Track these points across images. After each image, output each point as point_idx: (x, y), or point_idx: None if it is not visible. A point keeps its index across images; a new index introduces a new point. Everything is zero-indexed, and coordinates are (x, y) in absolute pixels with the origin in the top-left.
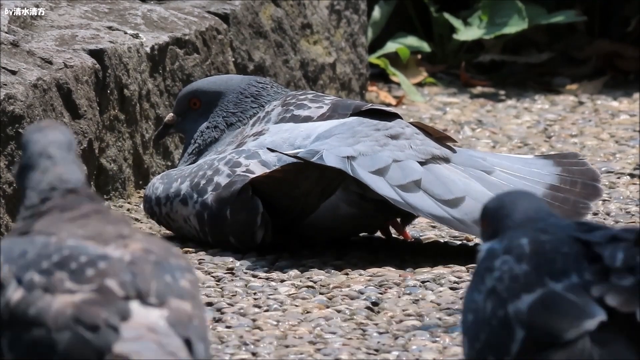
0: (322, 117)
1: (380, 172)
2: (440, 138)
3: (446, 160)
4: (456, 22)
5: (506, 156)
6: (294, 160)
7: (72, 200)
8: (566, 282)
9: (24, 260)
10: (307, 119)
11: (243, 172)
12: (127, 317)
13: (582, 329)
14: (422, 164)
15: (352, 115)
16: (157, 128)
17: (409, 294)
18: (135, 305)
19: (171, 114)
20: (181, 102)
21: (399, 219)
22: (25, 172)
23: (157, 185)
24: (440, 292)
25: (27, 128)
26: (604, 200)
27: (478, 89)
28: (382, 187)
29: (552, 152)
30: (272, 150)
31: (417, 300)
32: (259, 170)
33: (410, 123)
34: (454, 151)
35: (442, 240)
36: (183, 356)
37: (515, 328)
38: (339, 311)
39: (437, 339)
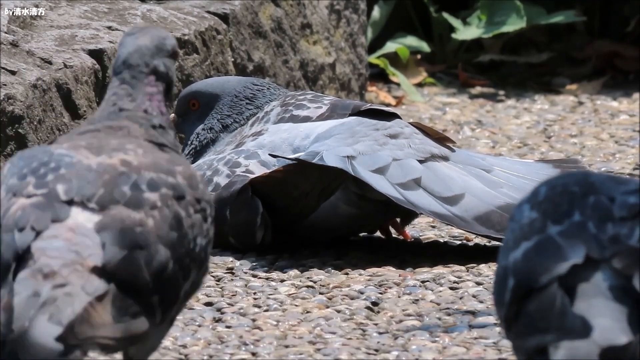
0: (321, 117)
1: (380, 170)
2: (439, 139)
3: (445, 158)
4: (455, 22)
5: (504, 158)
6: (294, 161)
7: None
8: (566, 224)
9: (18, 167)
10: (306, 119)
11: (242, 172)
12: (60, 219)
13: (554, 273)
14: (421, 162)
15: (351, 115)
16: None
17: (409, 293)
18: (74, 210)
19: (172, 115)
20: (181, 103)
21: (398, 219)
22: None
23: None
24: (440, 292)
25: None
26: None
27: (477, 89)
28: (383, 185)
29: (553, 158)
30: (274, 156)
31: (417, 300)
32: (258, 171)
33: (410, 123)
34: (452, 151)
35: (441, 240)
36: (90, 255)
37: (509, 277)
38: (338, 311)
39: (437, 339)
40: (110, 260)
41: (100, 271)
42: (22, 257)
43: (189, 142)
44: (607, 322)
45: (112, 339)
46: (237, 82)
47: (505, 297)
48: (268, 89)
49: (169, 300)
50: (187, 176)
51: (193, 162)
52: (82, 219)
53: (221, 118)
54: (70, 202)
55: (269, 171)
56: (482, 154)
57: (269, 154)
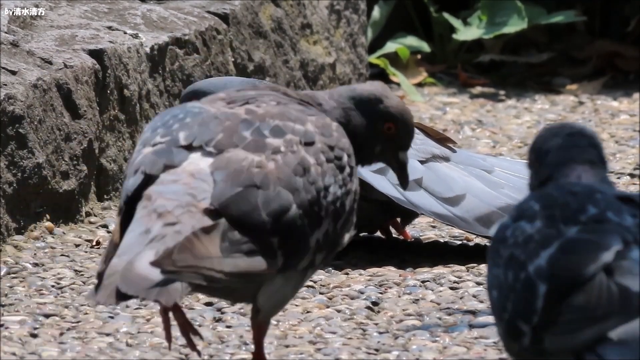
0: None
1: (381, 171)
2: (440, 139)
3: (446, 159)
4: (456, 22)
5: (505, 158)
6: None
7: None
8: (582, 220)
9: (154, 122)
10: None
11: None
12: (175, 164)
13: (599, 262)
14: (422, 162)
15: None
16: None
17: (409, 293)
18: (194, 155)
19: None
20: (183, 101)
21: (398, 219)
22: None
23: None
24: (440, 291)
25: None
26: None
27: (478, 89)
28: (384, 186)
29: None
30: None
31: (417, 300)
32: None
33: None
34: (453, 151)
35: (442, 240)
36: (205, 198)
37: (537, 285)
38: (339, 311)
39: (437, 338)
40: (220, 196)
41: (210, 209)
42: (140, 199)
43: None
44: None
45: (219, 272)
46: (239, 83)
47: (533, 306)
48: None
49: (294, 245)
50: (320, 125)
51: None
52: (201, 163)
53: None
54: (189, 147)
55: None
56: (483, 155)
57: None
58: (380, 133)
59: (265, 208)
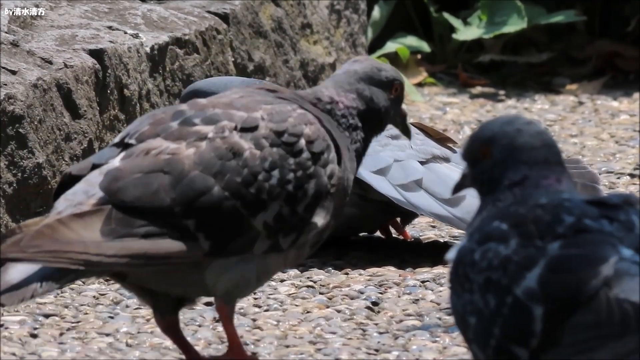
0: None
1: (382, 172)
2: (440, 139)
3: (446, 159)
4: (456, 22)
5: None
6: None
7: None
8: (560, 232)
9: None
10: None
11: None
12: (105, 162)
13: (601, 276)
14: (422, 163)
15: None
16: None
17: (409, 293)
18: (122, 151)
19: None
20: (183, 100)
21: (398, 219)
22: None
23: None
24: (440, 291)
25: None
26: None
27: (478, 89)
28: (384, 186)
29: None
30: None
31: (417, 300)
32: None
33: (410, 124)
34: (454, 151)
35: (441, 240)
36: (95, 193)
37: (531, 307)
38: (339, 311)
39: (437, 338)
40: (108, 185)
41: (98, 203)
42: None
43: None
44: None
45: (100, 255)
46: (239, 82)
47: (530, 329)
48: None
49: (222, 228)
50: (275, 112)
51: None
52: (118, 158)
53: None
54: (120, 144)
55: None
56: None
57: None
58: (390, 97)
59: (171, 191)
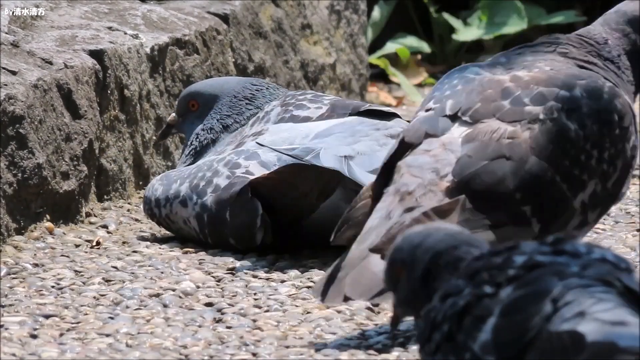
0: (321, 118)
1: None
2: None
3: None
4: (456, 23)
5: None
6: (291, 158)
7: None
8: (512, 274)
9: (437, 87)
10: (306, 120)
11: (242, 173)
12: (440, 133)
13: (543, 312)
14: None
15: (351, 115)
16: (157, 128)
17: None
18: (456, 124)
19: (173, 115)
20: (181, 103)
21: None
22: None
23: (156, 186)
24: None
25: None
26: None
27: None
28: None
29: None
30: (262, 145)
31: None
32: (258, 171)
33: (409, 121)
34: None
35: None
36: (447, 174)
37: None
38: (339, 312)
39: None
40: (461, 172)
41: (452, 188)
42: (394, 171)
43: (189, 143)
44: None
45: None
46: (236, 83)
47: None
48: (267, 88)
49: (551, 212)
50: (590, 89)
51: (193, 162)
52: (455, 133)
53: (221, 118)
54: (453, 117)
55: (267, 172)
56: None
57: (257, 142)
58: None
59: (514, 179)
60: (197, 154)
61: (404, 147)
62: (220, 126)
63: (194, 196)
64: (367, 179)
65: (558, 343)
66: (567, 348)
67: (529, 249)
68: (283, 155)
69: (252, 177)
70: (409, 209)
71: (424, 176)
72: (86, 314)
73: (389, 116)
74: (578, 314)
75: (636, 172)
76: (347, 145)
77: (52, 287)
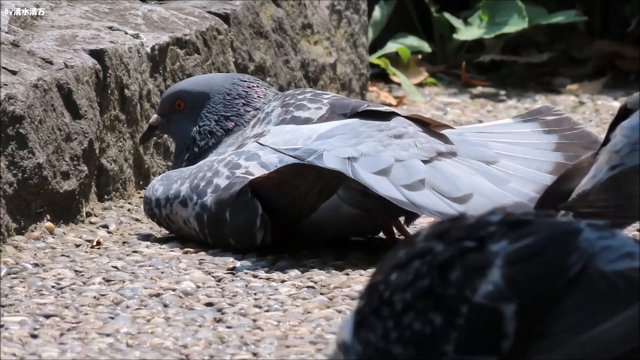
0: (322, 119)
1: (383, 172)
2: (438, 126)
3: (452, 154)
4: (456, 22)
5: (505, 135)
6: (293, 159)
7: None
8: (493, 230)
9: None
10: (307, 121)
11: (242, 174)
12: None
13: (581, 248)
14: (426, 162)
15: (350, 115)
16: None
17: None
18: None
19: (155, 116)
20: (165, 103)
21: (401, 218)
22: None
23: (156, 186)
24: None
25: None
26: None
27: (478, 89)
28: (384, 187)
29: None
30: (262, 145)
31: None
32: (258, 172)
33: (407, 117)
34: (451, 143)
35: None
36: None
37: (499, 309)
38: (339, 311)
39: None
40: None
41: None
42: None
43: (186, 147)
44: None
45: None
46: (223, 79)
47: (501, 332)
48: (259, 86)
49: None
50: None
51: (191, 164)
52: None
53: (219, 120)
54: None
55: (267, 172)
56: (483, 138)
57: (257, 142)
58: None
59: None
60: (196, 158)
61: (625, 113)
62: (222, 131)
63: (194, 196)
64: (371, 180)
65: (610, 283)
66: (622, 289)
67: (499, 212)
68: (285, 156)
69: (251, 178)
70: (613, 167)
71: (633, 136)
72: (86, 314)
73: (387, 115)
74: (627, 255)
75: None
76: (350, 146)
77: (53, 287)
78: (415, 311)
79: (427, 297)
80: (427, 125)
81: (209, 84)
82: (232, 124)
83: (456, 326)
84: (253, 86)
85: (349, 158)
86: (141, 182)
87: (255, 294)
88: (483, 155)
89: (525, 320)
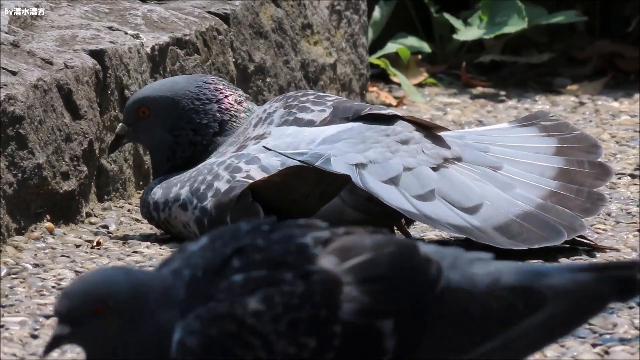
0: (324, 122)
1: (392, 181)
2: (433, 128)
3: (458, 159)
4: (456, 22)
5: (504, 139)
6: (296, 163)
7: None
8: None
9: None
10: (310, 123)
11: (243, 177)
12: None
13: (434, 264)
14: (434, 169)
15: (353, 119)
16: None
17: None
18: None
19: (121, 125)
20: (129, 111)
21: (403, 220)
22: None
23: (155, 189)
24: None
25: None
26: None
27: (478, 90)
28: (395, 198)
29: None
30: (268, 149)
31: None
32: (259, 176)
33: (403, 118)
34: (454, 147)
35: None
36: None
37: (375, 325)
38: None
39: None
40: None
41: None
42: None
43: (166, 158)
44: None
45: None
46: (187, 82)
47: (381, 348)
48: (225, 87)
49: None
50: None
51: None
52: None
53: (197, 129)
54: None
55: (267, 175)
56: (484, 142)
57: (263, 146)
58: None
59: None
60: (186, 166)
61: None
62: (207, 137)
63: (194, 200)
64: (381, 189)
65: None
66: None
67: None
68: (288, 160)
69: (251, 181)
70: None
71: None
72: None
73: (390, 119)
74: (450, 266)
75: (636, 173)
76: (358, 152)
77: (53, 287)
78: (284, 339)
79: (295, 324)
80: (429, 130)
81: (172, 88)
82: (212, 131)
83: (333, 347)
84: (220, 88)
85: (357, 165)
86: (141, 183)
87: None
88: (487, 161)
89: (402, 335)
